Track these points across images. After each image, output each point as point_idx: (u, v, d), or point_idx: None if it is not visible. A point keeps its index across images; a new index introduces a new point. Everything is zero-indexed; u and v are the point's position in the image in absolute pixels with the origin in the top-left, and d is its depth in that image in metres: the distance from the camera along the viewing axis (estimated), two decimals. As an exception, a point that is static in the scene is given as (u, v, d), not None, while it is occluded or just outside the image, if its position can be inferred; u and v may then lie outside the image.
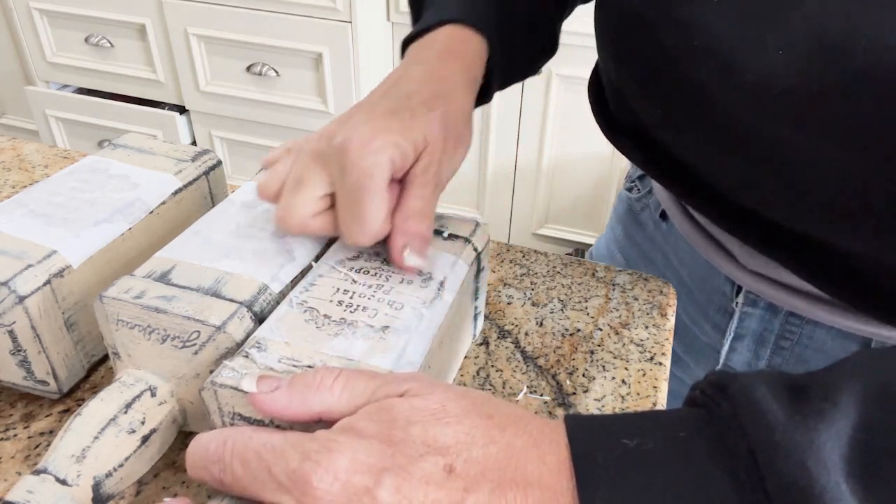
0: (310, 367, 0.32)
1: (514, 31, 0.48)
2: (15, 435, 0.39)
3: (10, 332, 0.37)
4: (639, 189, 0.65)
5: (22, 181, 0.61)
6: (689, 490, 0.25)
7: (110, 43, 1.74)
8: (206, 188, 0.49)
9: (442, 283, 0.38)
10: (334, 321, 0.35)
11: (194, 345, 0.34)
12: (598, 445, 0.26)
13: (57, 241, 0.39)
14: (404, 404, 0.28)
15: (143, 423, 0.34)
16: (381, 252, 0.39)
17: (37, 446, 0.39)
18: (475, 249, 0.41)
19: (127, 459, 0.33)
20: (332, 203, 0.38)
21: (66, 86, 1.90)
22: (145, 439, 0.34)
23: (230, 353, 0.34)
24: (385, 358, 0.33)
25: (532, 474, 0.26)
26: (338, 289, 0.37)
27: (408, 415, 0.27)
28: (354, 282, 0.37)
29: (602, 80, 0.53)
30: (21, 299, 0.37)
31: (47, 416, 0.40)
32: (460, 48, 0.44)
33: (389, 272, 0.38)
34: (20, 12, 1.77)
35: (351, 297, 0.36)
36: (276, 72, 1.62)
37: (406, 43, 0.47)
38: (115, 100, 1.81)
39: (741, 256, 0.50)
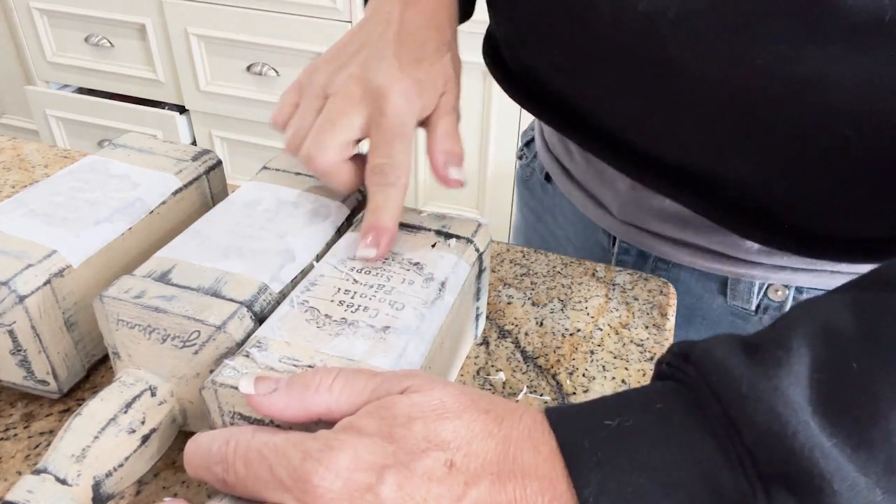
0: (310, 366, 0.32)
1: None
2: (15, 435, 0.39)
3: (10, 332, 0.37)
4: (526, 156, 0.70)
5: (22, 181, 0.61)
6: (675, 456, 0.26)
7: (110, 43, 1.74)
8: (207, 188, 0.49)
9: (443, 284, 0.38)
10: (335, 321, 0.35)
11: (194, 344, 0.34)
12: (582, 431, 0.27)
13: (57, 241, 0.39)
14: (405, 401, 0.28)
15: (143, 422, 0.34)
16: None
17: (37, 446, 0.39)
18: (477, 250, 0.41)
19: (127, 459, 0.33)
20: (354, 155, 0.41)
21: (66, 86, 1.90)
22: (145, 439, 0.34)
23: (230, 352, 0.34)
24: (385, 358, 0.33)
25: (528, 464, 0.27)
26: (339, 289, 0.37)
27: (409, 411, 0.27)
28: (356, 282, 0.37)
29: (496, 37, 0.57)
30: (21, 299, 0.37)
31: (47, 416, 0.40)
32: None
33: (391, 272, 0.38)
34: (20, 12, 1.77)
35: (352, 297, 0.36)
36: (276, 72, 1.62)
37: None
38: (115, 100, 1.81)
39: (616, 210, 0.56)
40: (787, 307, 0.52)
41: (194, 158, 0.49)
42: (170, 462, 0.38)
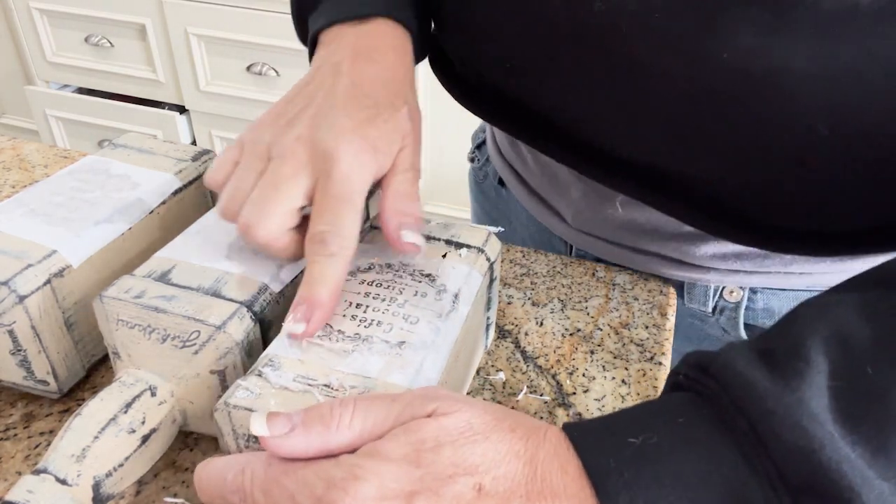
0: (326, 385, 0.31)
1: (423, 22, 0.49)
2: (15, 435, 0.39)
3: (10, 332, 0.37)
4: (478, 158, 0.69)
5: (22, 181, 0.61)
6: (702, 473, 0.26)
7: (110, 43, 1.74)
8: (207, 188, 0.49)
9: (457, 296, 0.37)
10: (349, 337, 0.34)
11: (194, 344, 0.34)
12: (607, 450, 0.27)
13: (57, 241, 0.39)
14: (433, 424, 0.27)
15: (143, 422, 0.34)
16: (394, 264, 0.39)
17: (37, 446, 0.39)
18: (488, 259, 0.40)
19: (127, 459, 0.33)
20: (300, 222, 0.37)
21: (66, 85, 1.90)
22: (145, 439, 0.34)
23: (230, 352, 0.34)
24: (403, 375, 0.32)
25: (557, 485, 0.26)
26: (350, 303, 0.36)
27: (437, 435, 0.27)
28: (367, 295, 0.36)
29: (441, 43, 0.55)
30: (21, 299, 0.37)
31: (47, 416, 0.40)
32: (399, 45, 0.44)
33: (403, 285, 0.37)
34: (20, 12, 1.77)
35: (364, 312, 0.35)
36: (276, 72, 1.62)
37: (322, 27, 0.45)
38: (115, 100, 1.81)
39: (570, 218, 0.55)
40: (743, 307, 0.52)
41: (194, 158, 0.49)
42: (170, 462, 0.38)
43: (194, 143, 1.82)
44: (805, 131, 0.36)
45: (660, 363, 0.46)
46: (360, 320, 0.35)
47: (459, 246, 0.40)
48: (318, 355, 0.33)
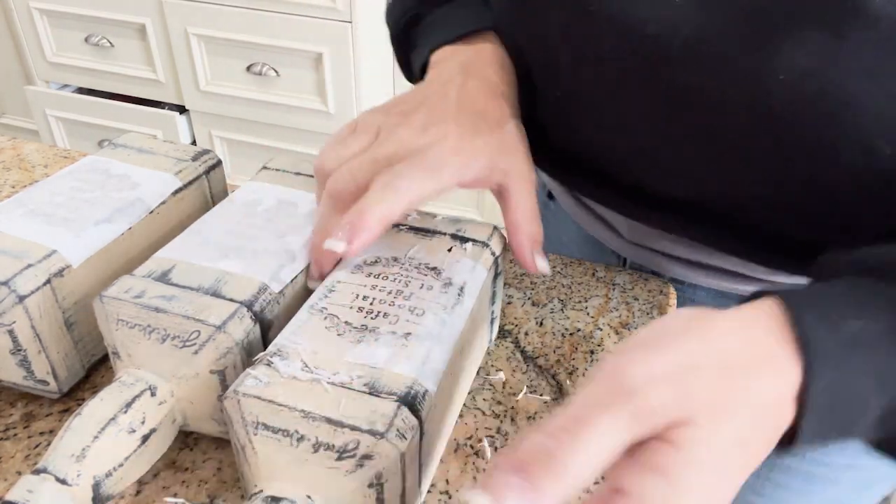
0: (335, 374, 0.31)
1: None
2: (15, 435, 0.39)
3: (10, 332, 0.37)
4: None
5: (22, 181, 0.61)
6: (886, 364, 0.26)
7: (110, 43, 1.74)
8: (207, 188, 0.49)
9: (462, 289, 0.37)
10: (355, 328, 0.34)
11: (194, 344, 0.34)
12: (824, 328, 0.26)
13: (57, 241, 0.39)
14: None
15: (142, 422, 0.34)
16: (400, 257, 0.39)
17: (37, 446, 0.39)
18: (493, 254, 0.41)
19: (127, 459, 0.33)
20: None
21: (66, 85, 1.90)
22: (145, 439, 0.34)
23: (230, 352, 0.34)
24: (409, 365, 0.32)
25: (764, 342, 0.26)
26: (357, 295, 0.36)
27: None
28: (374, 287, 0.37)
29: None
30: (21, 299, 0.37)
31: (47, 415, 0.40)
32: (503, 59, 0.46)
33: (408, 278, 0.38)
34: (20, 12, 1.77)
35: (371, 304, 0.36)
36: (276, 72, 1.62)
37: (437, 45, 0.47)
38: (115, 100, 1.81)
39: (625, 231, 0.54)
40: None
41: (194, 158, 0.49)
42: (170, 462, 0.38)
43: (194, 143, 1.82)
44: (865, 151, 0.35)
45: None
46: (367, 312, 0.35)
47: (465, 240, 0.41)
48: (324, 345, 0.33)
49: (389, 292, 0.36)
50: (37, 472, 0.31)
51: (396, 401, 0.30)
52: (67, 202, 0.43)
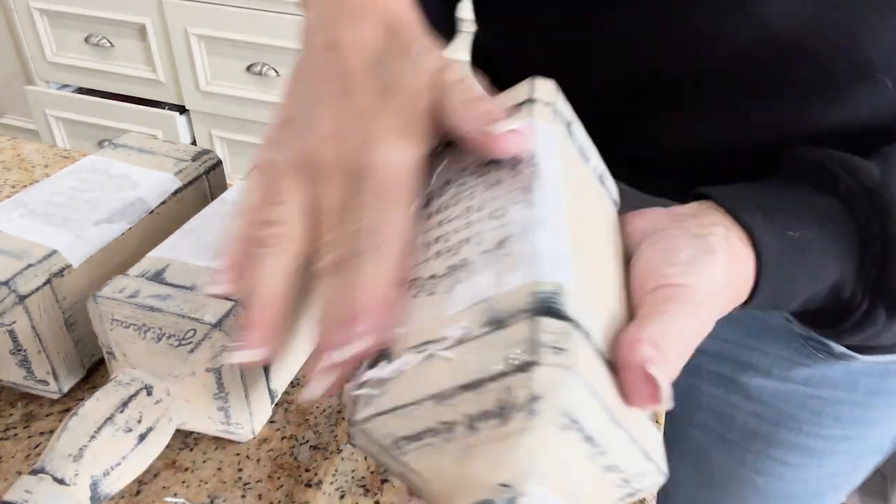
0: (444, 339, 0.24)
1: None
2: (15, 435, 0.39)
3: (10, 332, 0.37)
4: None
5: (22, 181, 0.61)
6: (823, 269, 0.32)
7: (110, 43, 1.74)
8: (207, 188, 0.49)
9: (532, 157, 0.29)
10: (443, 275, 0.27)
11: (190, 343, 0.34)
12: (773, 234, 0.31)
13: (57, 241, 0.40)
14: None
15: (139, 421, 0.34)
16: (450, 178, 0.31)
17: (37, 446, 0.39)
18: (548, 104, 0.32)
19: (124, 458, 0.33)
20: None
21: (66, 85, 1.90)
22: (142, 438, 0.34)
23: (226, 350, 0.34)
24: (520, 272, 0.24)
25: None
26: (427, 244, 0.29)
27: None
28: (440, 224, 0.29)
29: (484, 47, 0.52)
30: (21, 299, 0.37)
31: (47, 415, 0.40)
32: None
33: (470, 189, 0.30)
34: (20, 12, 1.77)
35: (447, 241, 0.28)
36: (276, 72, 1.62)
37: None
38: (115, 100, 1.81)
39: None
40: None
41: (194, 158, 0.49)
42: (169, 462, 0.38)
43: (194, 143, 1.82)
44: (868, 87, 0.35)
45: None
46: (447, 250, 0.28)
47: (511, 110, 0.32)
48: (422, 316, 0.26)
49: (459, 216, 0.29)
50: (34, 472, 0.31)
51: (529, 316, 0.22)
52: (67, 202, 0.43)
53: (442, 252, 0.28)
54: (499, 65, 0.52)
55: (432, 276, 0.27)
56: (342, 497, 0.37)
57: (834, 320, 0.35)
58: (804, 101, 0.37)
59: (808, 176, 0.35)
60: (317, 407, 0.42)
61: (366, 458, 0.39)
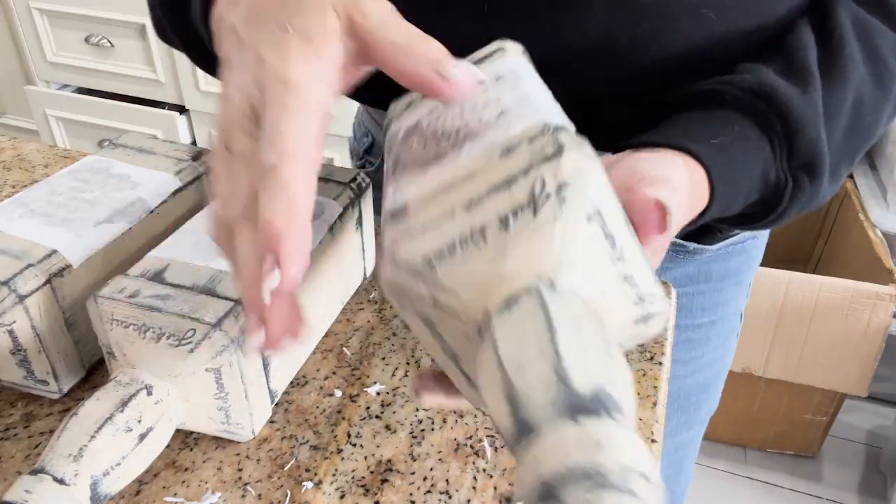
0: (465, 180, 0.25)
1: None
2: (15, 435, 0.39)
3: (10, 332, 0.37)
4: (371, 163, 0.66)
5: (22, 181, 0.61)
6: (751, 159, 0.38)
7: (110, 43, 1.74)
8: (207, 188, 0.49)
9: (514, 70, 0.31)
10: (449, 146, 0.28)
11: (190, 342, 0.34)
12: (704, 146, 0.37)
13: (57, 241, 0.40)
14: None
15: (139, 421, 0.34)
16: (434, 107, 0.31)
17: (37, 446, 0.39)
18: (518, 52, 0.33)
19: (124, 458, 0.33)
20: None
21: (66, 85, 1.90)
22: (142, 438, 0.34)
23: (226, 350, 0.34)
24: (525, 120, 0.26)
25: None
26: (424, 141, 0.29)
27: None
28: (433, 130, 0.29)
29: None
30: (21, 299, 0.37)
31: (47, 415, 0.41)
32: None
33: (462, 107, 0.29)
34: (20, 12, 1.77)
35: (443, 130, 0.29)
36: (276, 72, 1.62)
37: None
38: (115, 100, 1.81)
39: None
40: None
41: (194, 158, 0.49)
42: (169, 462, 0.38)
43: (194, 143, 1.82)
44: (698, 20, 0.43)
45: (660, 363, 0.46)
46: (445, 136, 0.28)
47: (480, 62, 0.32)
48: (428, 178, 0.26)
49: (451, 117, 0.29)
50: (34, 472, 0.31)
51: (544, 132, 0.24)
52: (67, 202, 0.43)
53: (440, 138, 0.28)
54: None
55: (437, 156, 0.27)
56: (342, 497, 0.37)
57: (773, 205, 0.41)
58: (644, 38, 0.43)
59: (696, 102, 0.41)
60: (317, 407, 0.42)
61: (366, 457, 0.39)
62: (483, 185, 0.24)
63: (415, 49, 0.27)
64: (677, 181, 0.32)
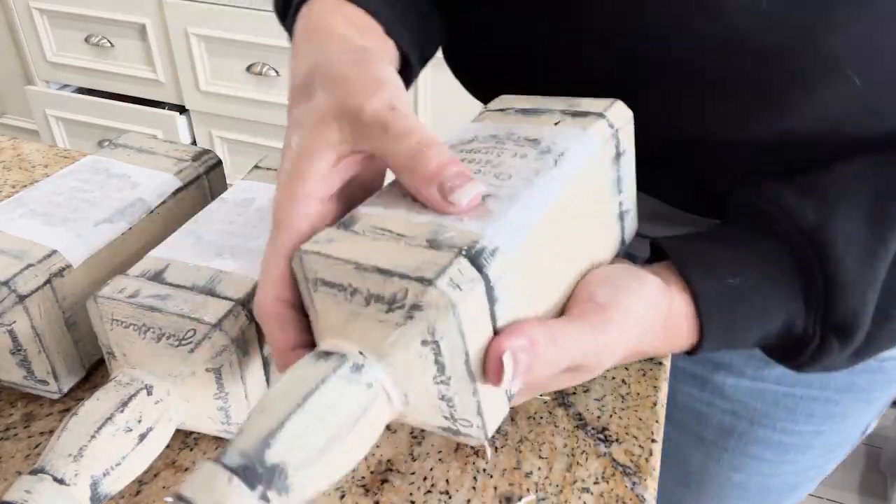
0: (401, 235, 0.28)
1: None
2: (15, 435, 0.39)
3: (10, 332, 0.37)
4: None
5: (22, 181, 0.61)
6: (774, 308, 0.35)
7: (110, 43, 1.74)
8: (207, 188, 0.49)
9: (561, 155, 0.32)
10: None
11: (190, 343, 0.34)
12: (712, 284, 0.34)
13: (57, 241, 0.40)
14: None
15: (139, 421, 0.34)
16: (499, 134, 0.35)
17: (37, 446, 0.39)
18: (611, 126, 0.35)
19: (124, 458, 0.33)
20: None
21: (66, 85, 1.90)
22: (142, 438, 0.34)
23: (226, 350, 0.34)
24: (481, 222, 0.28)
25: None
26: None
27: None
28: (464, 160, 0.33)
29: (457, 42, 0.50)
30: (21, 299, 0.37)
31: (47, 415, 0.41)
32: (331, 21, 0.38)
33: (502, 149, 0.33)
34: (20, 12, 1.77)
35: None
36: (276, 72, 1.62)
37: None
38: (115, 100, 1.81)
39: None
40: None
41: (194, 158, 0.49)
42: (169, 462, 0.38)
43: (194, 143, 1.82)
44: (839, 82, 0.35)
45: (660, 363, 0.46)
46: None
47: (576, 115, 0.35)
48: (396, 207, 0.30)
49: (478, 162, 0.33)
50: (34, 472, 0.31)
51: (457, 253, 0.26)
52: (67, 202, 0.43)
53: None
54: (470, 55, 0.50)
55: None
56: (342, 497, 0.37)
57: (791, 354, 0.37)
58: (769, 99, 0.37)
59: (750, 219, 0.37)
60: (317, 407, 0.42)
61: (366, 457, 0.39)
62: (378, 261, 0.27)
63: (417, 168, 0.29)
64: (618, 319, 0.30)
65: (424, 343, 0.27)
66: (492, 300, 0.27)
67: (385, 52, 0.38)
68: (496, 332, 0.28)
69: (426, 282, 0.25)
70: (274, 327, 0.31)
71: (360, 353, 0.28)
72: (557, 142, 0.33)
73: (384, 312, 0.27)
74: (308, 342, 0.31)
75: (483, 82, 0.51)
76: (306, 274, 0.29)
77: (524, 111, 0.37)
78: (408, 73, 0.41)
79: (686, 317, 0.35)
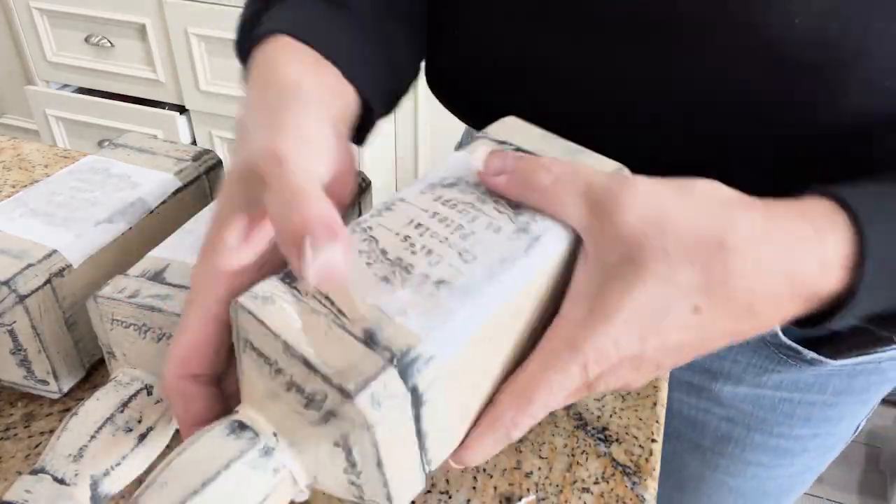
0: (341, 312, 0.26)
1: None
2: (15, 435, 0.39)
3: (10, 332, 0.37)
4: None
5: (22, 181, 0.61)
6: None
7: (110, 43, 1.74)
8: (207, 188, 0.49)
9: (537, 239, 0.29)
10: (389, 260, 0.28)
11: (193, 344, 0.34)
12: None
13: (57, 241, 0.40)
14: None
15: (139, 421, 0.34)
16: (483, 192, 0.32)
17: (37, 446, 0.39)
18: None
19: (125, 458, 0.33)
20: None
21: (66, 85, 1.90)
22: (142, 437, 0.34)
23: None
24: (424, 320, 0.26)
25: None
26: (412, 221, 0.30)
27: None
28: (434, 215, 0.30)
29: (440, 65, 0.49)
30: (21, 299, 0.37)
31: (47, 415, 0.41)
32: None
33: (479, 212, 0.30)
34: (20, 12, 1.77)
35: (421, 235, 0.29)
36: (276, 72, 1.62)
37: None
38: (115, 99, 1.81)
39: None
40: None
41: (194, 158, 0.49)
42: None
43: (194, 143, 1.82)
44: (878, 94, 0.34)
45: (659, 363, 0.46)
46: (412, 244, 0.29)
47: None
48: (355, 272, 0.28)
49: (448, 225, 0.29)
50: (34, 472, 0.31)
51: (387, 360, 0.25)
52: (67, 202, 0.43)
53: (410, 238, 0.29)
54: (460, 80, 0.48)
55: (383, 251, 0.28)
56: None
57: None
58: (814, 116, 0.36)
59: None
60: (317, 407, 0.42)
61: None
62: (308, 348, 0.25)
63: (283, 225, 0.26)
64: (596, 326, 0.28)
65: (336, 445, 0.26)
66: (418, 404, 0.26)
67: (333, 95, 0.36)
68: (419, 434, 0.27)
69: (346, 394, 0.24)
70: (178, 404, 0.29)
71: (275, 434, 0.27)
72: (538, 220, 0.30)
73: (302, 406, 0.26)
74: (217, 413, 0.29)
75: (468, 104, 0.50)
76: (238, 330, 0.27)
77: (526, 152, 0.33)
78: (369, 115, 0.39)
79: (836, 255, 0.29)
